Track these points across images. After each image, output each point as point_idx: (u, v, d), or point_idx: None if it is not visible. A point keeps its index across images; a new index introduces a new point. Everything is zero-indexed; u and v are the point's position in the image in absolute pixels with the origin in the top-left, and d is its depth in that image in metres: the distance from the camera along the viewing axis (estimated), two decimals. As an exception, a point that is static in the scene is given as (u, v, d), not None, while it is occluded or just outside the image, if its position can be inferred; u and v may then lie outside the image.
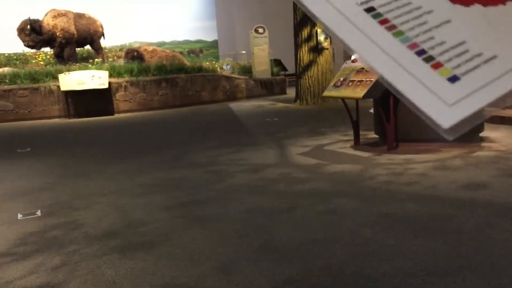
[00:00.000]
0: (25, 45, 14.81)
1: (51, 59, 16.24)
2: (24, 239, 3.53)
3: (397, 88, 0.44)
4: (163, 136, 8.67)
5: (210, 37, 27.80)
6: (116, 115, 12.53)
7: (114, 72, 13.13)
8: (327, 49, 12.47)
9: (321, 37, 12.29)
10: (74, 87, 11.99)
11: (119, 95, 12.98)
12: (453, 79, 0.44)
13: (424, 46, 0.46)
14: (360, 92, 5.59)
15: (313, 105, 12.24)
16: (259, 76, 16.12)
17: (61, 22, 14.90)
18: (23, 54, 17.26)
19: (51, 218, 4.02)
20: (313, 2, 0.49)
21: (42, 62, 15.89)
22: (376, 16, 0.48)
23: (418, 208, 3.71)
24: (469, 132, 5.98)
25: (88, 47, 16.92)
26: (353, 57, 6.21)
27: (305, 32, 12.30)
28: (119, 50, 19.10)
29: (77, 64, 13.96)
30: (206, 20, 27.57)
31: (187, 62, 15.91)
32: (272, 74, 16.69)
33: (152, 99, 13.45)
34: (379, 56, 0.46)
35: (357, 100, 5.94)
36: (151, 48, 16.00)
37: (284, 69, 19.11)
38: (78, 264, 3.00)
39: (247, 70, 16.50)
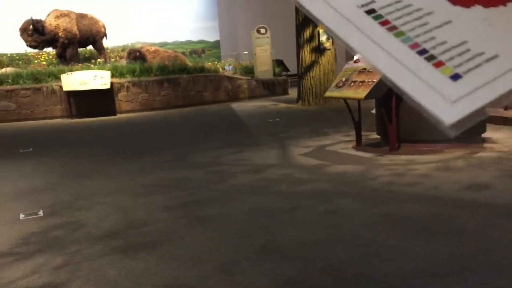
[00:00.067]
0: (27, 45, 14.85)
1: (53, 59, 16.28)
2: (26, 239, 3.53)
3: (399, 87, 0.45)
4: (165, 136, 8.68)
5: (212, 37, 27.83)
6: (118, 115, 12.54)
7: (116, 72, 13.15)
8: (329, 49, 12.47)
9: (323, 38, 12.28)
10: (76, 87, 12.01)
11: (121, 95, 13.00)
12: (455, 77, 0.45)
13: (426, 46, 0.46)
14: (362, 93, 5.58)
15: (315, 105, 12.24)
16: (261, 77, 16.13)
17: (63, 23, 14.93)
18: (26, 54, 17.31)
19: (53, 218, 4.03)
20: (315, 5, 0.49)
21: (44, 62, 15.93)
22: (377, 17, 0.48)
23: (420, 209, 3.71)
24: (472, 133, 5.96)
25: (90, 47, 16.96)
26: (355, 58, 6.21)
27: (307, 33, 12.30)
28: (121, 51, 19.13)
29: (79, 64, 13.98)
30: (208, 21, 27.59)
31: (189, 62, 15.92)
32: (274, 74, 16.70)
33: (154, 99, 13.46)
34: (381, 56, 0.46)
35: (359, 100, 5.94)
36: (153, 48, 16.01)
37: (286, 69, 19.12)
38: (80, 264, 3.00)
39: (249, 71, 16.51)
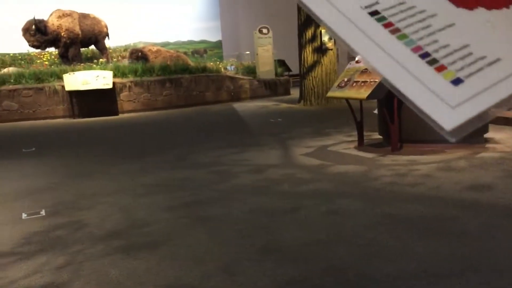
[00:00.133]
0: (30, 45, 14.88)
1: (55, 59, 16.30)
2: (29, 239, 3.54)
3: (400, 91, 0.44)
4: (167, 136, 8.69)
5: (214, 37, 27.83)
6: (120, 115, 12.56)
7: (118, 72, 13.16)
8: (331, 49, 12.46)
9: (325, 38, 12.28)
10: (79, 87, 12.03)
11: (123, 95, 13.01)
12: (457, 81, 0.44)
13: (428, 49, 0.46)
14: (364, 93, 5.58)
15: (317, 105, 12.24)
16: (263, 77, 16.13)
17: (66, 22, 14.95)
18: (28, 54, 17.33)
19: (55, 218, 4.04)
20: (318, 6, 0.49)
21: (46, 62, 15.95)
22: (380, 19, 0.48)
23: (422, 209, 3.70)
24: (474, 134, 5.96)
25: (92, 47, 16.98)
26: (357, 58, 6.21)
27: (309, 33, 12.30)
28: (124, 50, 19.14)
29: (82, 64, 14.00)
30: (210, 21, 27.60)
31: (191, 62, 15.92)
32: (276, 74, 16.69)
33: (156, 99, 13.47)
34: (382, 58, 0.46)
35: (361, 100, 5.93)
36: (155, 48, 16.03)
37: (288, 69, 19.11)
38: (82, 264, 3.01)
39: (251, 71, 16.51)
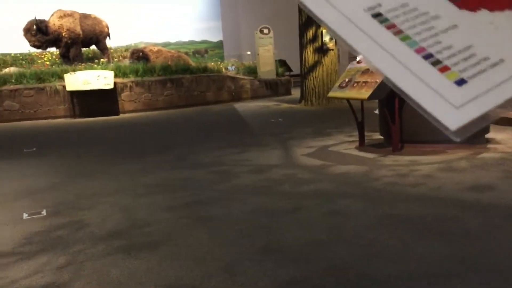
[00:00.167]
0: (31, 45, 14.89)
1: (57, 59, 16.32)
2: (29, 239, 3.54)
3: (404, 91, 0.45)
4: (168, 136, 8.69)
5: (215, 37, 27.83)
6: (121, 115, 12.57)
7: (119, 72, 13.17)
8: (332, 49, 12.46)
9: (326, 38, 12.28)
10: (80, 87, 12.04)
11: (124, 95, 13.02)
12: (460, 82, 0.45)
13: (431, 50, 0.46)
14: (365, 93, 5.58)
15: (318, 106, 12.24)
16: (264, 77, 16.13)
17: (67, 23, 14.97)
18: (29, 54, 17.35)
19: (56, 218, 4.04)
20: (320, 8, 0.49)
21: (48, 62, 15.97)
22: (383, 21, 0.48)
23: (423, 210, 3.70)
24: (475, 134, 5.99)
25: (93, 47, 16.99)
26: (358, 58, 6.21)
27: (310, 33, 12.30)
28: (125, 51, 19.16)
29: (83, 64, 14.01)
30: (211, 21, 27.60)
31: (192, 62, 15.93)
32: (277, 74, 16.69)
33: (157, 99, 13.48)
34: (386, 59, 0.46)
35: (362, 101, 5.93)
36: (156, 48, 16.04)
37: (289, 69, 19.12)
38: (83, 264, 3.01)
39: (252, 71, 16.52)
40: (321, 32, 12.20)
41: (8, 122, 11.73)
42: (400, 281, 2.54)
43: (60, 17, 14.94)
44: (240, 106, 13.55)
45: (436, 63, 0.45)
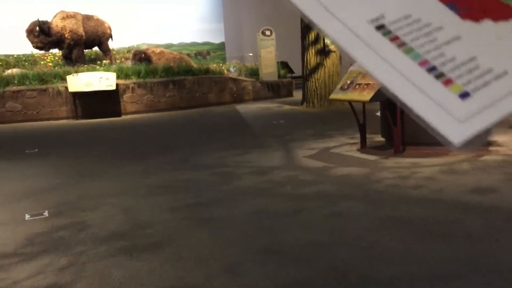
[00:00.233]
0: (34, 46, 14.91)
1: (59, 60, 16.34)
2: (32, 240, 3.55)
3: (408, 105, 0.44)
4: (170, 137, 8.70)
5: (217, 39, 27.85)
6: (123, 117, 12.58)
7: (121, 73, 13.19)
8: (334, 51, 12.46)
9: (328, 40, 12.28)
10: (82, 88, 12.06)
11: (126, 97, 13.04)
12: (464, 95, 0.44)
13: (435, 63, 0.46)
14: (367, 95, 5.58)
15: (319, 107, 12.24)
16: (266, 79, 16.13)
17: (69, 24, 14.99)
18: (32, 56, 17.38)
19: (59, 219, 4.05)
20: (323, 20, 0.49)
21: (50, 64, 16.00)
22: (386, 33, 0.48)
23: (425, 212, 3.70)
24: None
25: (96, 48, 17.01)
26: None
27: (312, 35, 12.31)
28: (127, 52, 19.17)
29: (85, 65, 14.04)
30: (214, 22, 27.62)
31: (194, 64, 15.95)
32: (279, 76, 16.69)
33: (159, 100, 13.50)
34: (390, 73, 0.46)
35: (364, 103, 5.93)
36: (158, 50, 16.05)
37: (291, 71, 19.11)
38: (85, 265, 3.02)
39: (254, 72, 16.52)
40: (323, 34, 12.19)
41: (10, 123, 11.75)
42: (401, 283, 2.54)
43: (63, 18, 14.96)
44: (242, 107, 13.56)
45: (440, 76, 0.45)
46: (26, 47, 15.70)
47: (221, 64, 17.63)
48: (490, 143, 5.98)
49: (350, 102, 6.15)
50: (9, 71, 13.72)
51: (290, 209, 3.99)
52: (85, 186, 5.22)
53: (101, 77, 12.24)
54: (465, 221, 3.45)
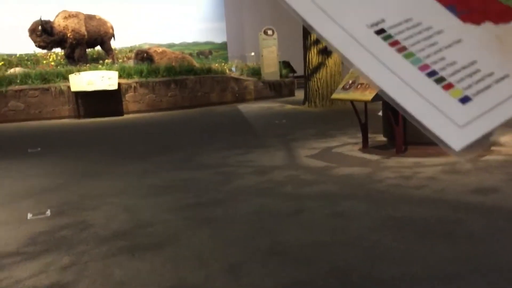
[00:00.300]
0: (36, 45, 14.94)
1: (61, 59, 16.36)
2: (34, 239, 3.56)
3: (407, 110, 0.44)
4: (172, 137, 8.71)
5: (219, 38, 27.84)
6: (126, 116, 12.59)
7: (123, 73, 13.20)
8: (336, 51, 12.44)
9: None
10: (84, 87, 12.08)
11: (128, 96, 13.05)
12: (465, 99, 0.44)
13: (435, 67, 0.45)
14: (369, 95, 5.58)
15: (321, 107, 12.23)
16: (268, 78, 16.13)
17: (72, 23, 15.01)
18: (34, 55, 17.40)
19: (61, 218, 4.06)
20: (323, 25, 0.49)
21: (52, 63, 16.02)
22: (386, 38, 0.47)
23: (426, 212, 3.70)
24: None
25: (98, 48, 17.04)
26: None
27: (314, 35, 12.24)
28: (129, 51, 19.19)
29: (87, 65, 14.05)
30: (216, 22, 27.61)
31: (196, 63, 15.95)
32: (281, 76, 16.69)
33: (161, 100, 13.51)
34: (389, 78, 0.45)
35: (366, 102, 5.93)
36: (160, 49, 16.06)
37: (293, 71, 19.09)
38: (87, 264, 3.03)
39: (256, 72, 16.51)
40: (325, 33, 12.18)
41: (13, 122, 11.77)
42: (403, 283, 2.54)
43: (65, 17, 14.98)
44: (243, 107, 13.56)
45: (440, 80, 0.45)
46: (28, 47, 15.74)
47: (223, 64, 17.63)
48: (492, 143, 5.96)
49: (352, 101, 6.14)
50: (12, 70, 13.75)
51: (292, 209, 3.99)
52: (87, 185, 5.23)
53: (103, 77, 12.26)
54: (467, 221, 3.45)
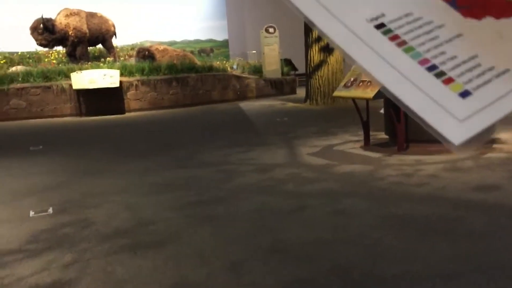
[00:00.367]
0: (38, 43, 14.95)
1: (63, 57, 16.37)
2: (36, 237, 3.57)
3: (406, 105, 0.44)
4: (173, 135, 8.71)
5: (221, 36, 27.83)
6: (127, 114, 12.60)
7: (125, 71, 13.20)
8: (337, 49, 12.42)
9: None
10: (86, 85, 12.09)
11: (130, 94, 13.06)
12: (465, 94, 0.44)
13: (435, 61, 0.45)
14: (370, 93, 5.58)
15: (323, 105, 12.22)
16: (269, 76, 16.12)
17: (73, 21, 15.01)
18: (36, 53, 17.41)
19: (63, 216, 4.07)
20: (322, 19, 0.48)
21: (54, 61, 16.02)
22: (386, 32, 0.47)
23: (428, 209, 3.70)
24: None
25: (100, 46, 17.04)
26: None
27: (315, 32, 12.21)
28: (131, 49, 19.18)
29: (89, 63, 14.05)
30: (217, 20, 27.60)
31: (197, 61, 15.94)
32: (282, 73, 16.67)
33: (163, 98, 13.51)
34: (389, 73, 0.45)
35: (367, 100, 5.93)
36: (162, 47, 16.05)
37: (295, 69, 19.07)
38: (89, 262, 3.03)
39: (257, 70, 16.50)
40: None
41: (15, 120, 11.78)
42: (404, 281, 2.55)
43: (67, 15, 14.99)
44: (245, 105, 13.55)
45: (440, 74, 0.44)
46: (30, 45, 15.75)
47: (224, 62, 17.62)
48: (493, 141, 5.96)
49: (353, 99, 6.14)
50: (14, 68, 13.77)
51: (293, 206, 3.99)
52: (89, 183, 5.23)
53: (104, 75, 12.27)
54: (468, 218, 3.45)
